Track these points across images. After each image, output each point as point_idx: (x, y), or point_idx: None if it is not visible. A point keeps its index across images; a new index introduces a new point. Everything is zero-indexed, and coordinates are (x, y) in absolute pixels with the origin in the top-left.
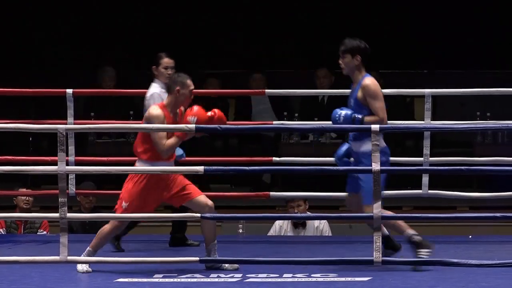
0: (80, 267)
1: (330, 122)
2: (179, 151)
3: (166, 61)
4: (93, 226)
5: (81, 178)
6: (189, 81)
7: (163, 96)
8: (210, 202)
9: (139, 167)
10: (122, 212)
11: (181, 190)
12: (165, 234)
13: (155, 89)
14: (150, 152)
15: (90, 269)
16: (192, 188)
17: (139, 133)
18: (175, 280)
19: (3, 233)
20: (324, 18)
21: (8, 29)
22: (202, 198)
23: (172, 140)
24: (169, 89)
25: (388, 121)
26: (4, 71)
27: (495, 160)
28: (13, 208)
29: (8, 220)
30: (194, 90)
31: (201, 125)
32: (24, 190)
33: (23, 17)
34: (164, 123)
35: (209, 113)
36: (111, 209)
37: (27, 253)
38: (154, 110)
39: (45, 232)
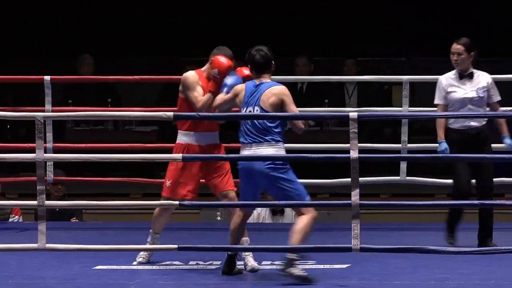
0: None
1: (309, 109)
2: (442, 146)
3: (453, 46)
4: (62, 215)
5: (59, 165)
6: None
7: (446, 82)
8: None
9: (121, 154)
10: (166, 191)
11: (217, 176)
12: (144, 222)
13: (445, 74)
14: (187, 124)
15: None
16: (225, 181)
17: (178, 104)
18: (154, 267)
19: None
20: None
21: None
22: (232, 194)
23: (205, 97)
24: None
25: (366, 108)
26: None
27: None
28: None
29: None
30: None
31: (179, 113)
32: None
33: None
34: (199, 84)
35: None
36: (84, 196)
37: (4, 241)
38: (189, 72)
39: (17, 217)
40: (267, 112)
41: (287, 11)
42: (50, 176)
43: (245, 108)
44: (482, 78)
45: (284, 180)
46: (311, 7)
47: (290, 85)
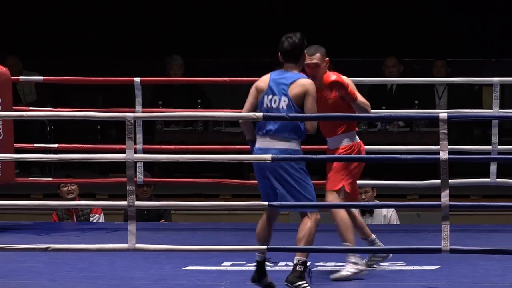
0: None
1: (399, 111)
2: None
3: None
4: (151, 216)
5: (146, 167)
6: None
7: None
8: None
9: (210, 155)
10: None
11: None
12: (233, 223)
13: None
14: (345, 126)
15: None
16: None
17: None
18: (244, 268)
19: None
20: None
21: (76, 17)
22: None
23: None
24: None
25: (456, 110)
26: (73, 59)
27: None
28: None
29: (60, 210)
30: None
31: (268, 114)
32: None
33: (93, 5)
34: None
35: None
36: (173, 197)
37: (94, 241)
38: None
39: (97, 215)
40: (294, 102)
41: (378, 12)
42: (140, 177)
43: (269, 96)
44: None
45: (295, 176)
46: (402, 7)
47: (379, 86)
